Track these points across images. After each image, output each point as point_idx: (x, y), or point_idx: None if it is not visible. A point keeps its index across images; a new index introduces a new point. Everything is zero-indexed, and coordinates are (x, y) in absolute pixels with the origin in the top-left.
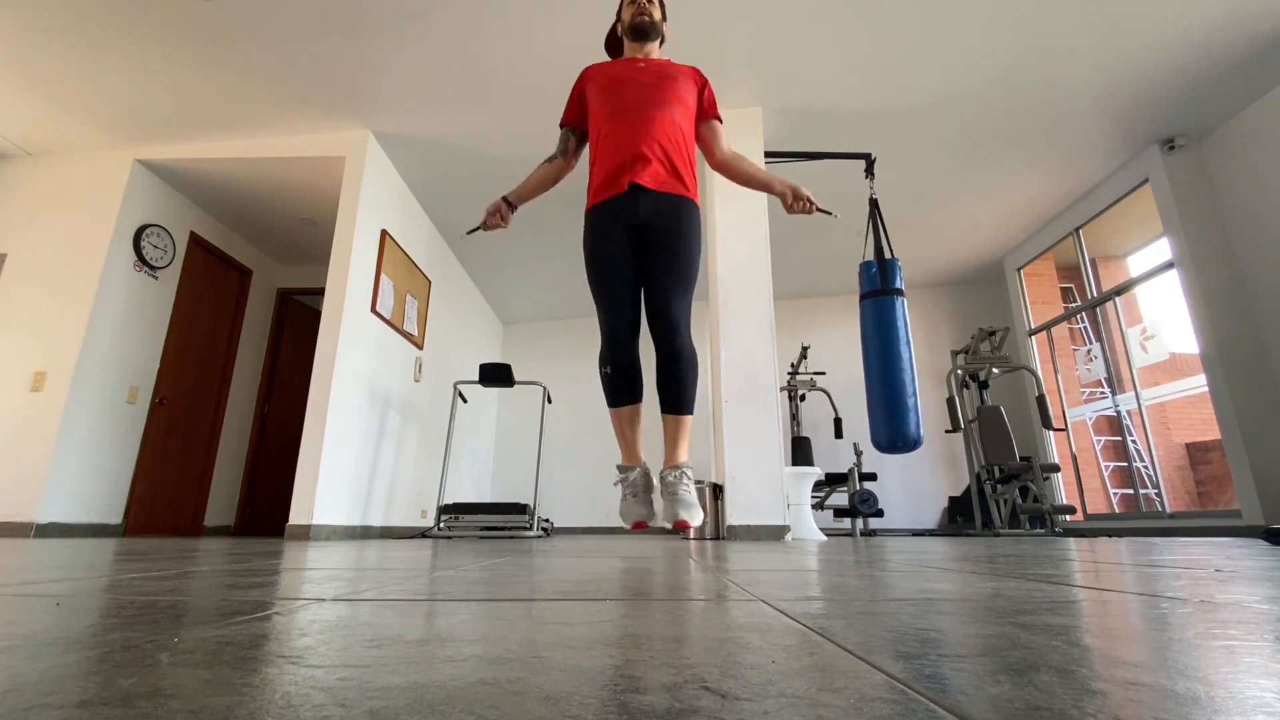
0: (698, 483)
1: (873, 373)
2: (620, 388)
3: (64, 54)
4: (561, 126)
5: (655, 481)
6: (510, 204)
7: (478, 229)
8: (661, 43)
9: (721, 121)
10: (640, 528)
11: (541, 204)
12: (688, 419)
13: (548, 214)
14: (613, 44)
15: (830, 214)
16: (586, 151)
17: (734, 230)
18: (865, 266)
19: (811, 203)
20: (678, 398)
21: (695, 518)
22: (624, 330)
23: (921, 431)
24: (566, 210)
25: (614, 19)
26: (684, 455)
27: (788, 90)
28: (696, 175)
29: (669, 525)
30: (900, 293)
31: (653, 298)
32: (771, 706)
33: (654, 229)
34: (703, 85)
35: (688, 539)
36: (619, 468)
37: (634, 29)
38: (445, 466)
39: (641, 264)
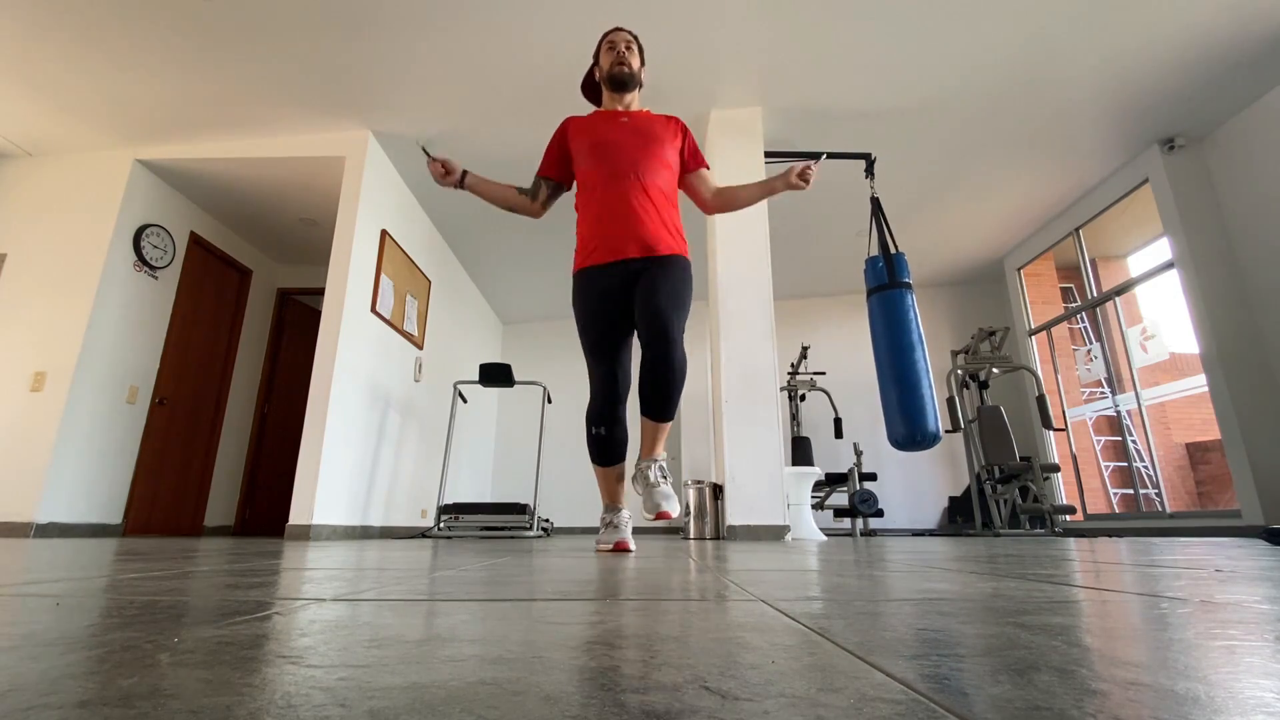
0: (698, 483)
1: (885, 369)
2: (610, 450)
3: (64, 54)
4: (538, 177)
5: (631, 472)
6: (463, 184)
7: (433, 158)
8: (640, 88)
9: (709, 168)
10: (621, 548)
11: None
12: (668, 425)
13: (549, 214)
14: (590, 89)
15: (820, 156)
16: (573, 193)
17: (734, 232)
18: (871, 262)
19: (807, 169)
20: (663, 407)
21: (674, 508)
22: (617, 392)
23: (940, 426)
24: (567, 210)
25: (592, 62)
26: (660, 450)
27: (788, 90)
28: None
29: (650, 517)
30: (909, 286)
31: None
32: (772, 706)
33: (650, 270)
34: (684, 136)
35: (687, 539)
36: (605, 510)
37: (612, 79)
38: (445, 466)
39: (635, 305)
